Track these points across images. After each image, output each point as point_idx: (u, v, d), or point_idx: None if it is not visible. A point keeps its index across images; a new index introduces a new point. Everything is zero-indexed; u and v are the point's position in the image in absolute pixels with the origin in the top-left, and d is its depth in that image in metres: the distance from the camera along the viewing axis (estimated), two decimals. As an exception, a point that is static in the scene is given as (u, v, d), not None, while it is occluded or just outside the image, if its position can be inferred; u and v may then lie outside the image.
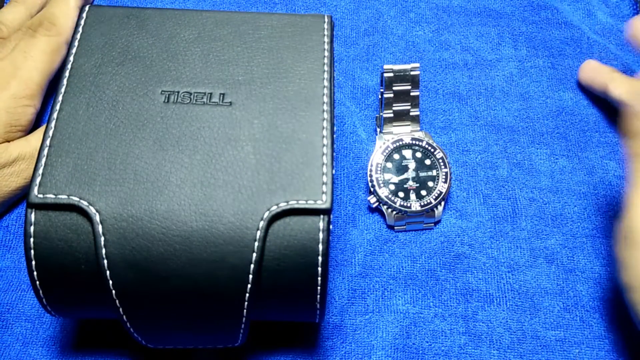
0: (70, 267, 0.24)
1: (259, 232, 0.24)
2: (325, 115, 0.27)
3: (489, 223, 0.35)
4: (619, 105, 0.36)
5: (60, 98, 0.27)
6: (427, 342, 0.32)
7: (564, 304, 0.33)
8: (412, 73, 0.35)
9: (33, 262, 0.24)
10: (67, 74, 0.27)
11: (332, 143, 0.27)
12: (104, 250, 0.24)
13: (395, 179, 0.35)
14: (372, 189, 0.34)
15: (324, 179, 0.25)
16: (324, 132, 0.27)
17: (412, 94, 0.36)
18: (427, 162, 0.35)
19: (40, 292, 0.25)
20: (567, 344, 0.32)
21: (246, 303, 0.25)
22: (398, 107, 0.36)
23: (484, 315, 0.33)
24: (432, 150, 0.35)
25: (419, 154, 0.36)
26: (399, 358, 0.31)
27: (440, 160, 0.35)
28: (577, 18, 0.43)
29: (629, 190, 0.29)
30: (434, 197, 0.34)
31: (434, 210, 0.34)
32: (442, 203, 0.34)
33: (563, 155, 0.38)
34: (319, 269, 0.25)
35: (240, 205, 0.24)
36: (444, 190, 0.34)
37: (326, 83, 0.28)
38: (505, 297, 0.33)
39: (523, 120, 0.39)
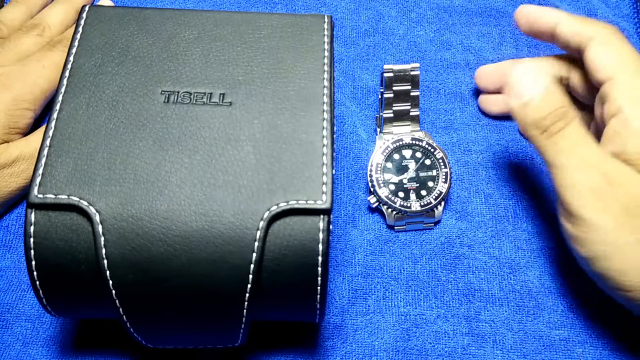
0: (70, 267, 0.24)
1: (259, 232, 0.24)
2: (325, 115, 0.27)
3: (490, 222, 0.35)
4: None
5: (60, 98, 0.27)
6: (430, 343, 0.32)
7: (567, 303, 0.33)
8: (412, 73, 0.35)
9: (33, 262, 0.24)
10: (67, 73, 0.27)
11: (332, 143, 0.26)
12: (104, 250, 0.24)
13: (395, 179, 0.35)
14: (372, 189, 0.34)
15: (324, 179, 0.25)
16: (324, 132, 0.27)
17: (412, 94, 0.35)
18: (427, 162, 0.35)
19: (40, 292, 0.25)
20: (571, 343, 0.32)
21: (246, 303, 0.25)
22: (398, 107, 0.36)
23: (486, 316, 0.33)
24: (432, 150, 0.35)
25: (419, 154, 0.36)
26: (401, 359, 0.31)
27: (440, 160, 0.35)
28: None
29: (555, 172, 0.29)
30: (434, 197, 0.34)
31: (434, 210, 0.34)
32: (442, 203, 0.34)
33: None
34: (319, 269, 0.25)
35: (240, 205, 0.24)
36: (444, 190, 0.34)
37: (326, 83, 0.28)
38: (508, 297, 0.33)
39: (524, 120, 0.39)
